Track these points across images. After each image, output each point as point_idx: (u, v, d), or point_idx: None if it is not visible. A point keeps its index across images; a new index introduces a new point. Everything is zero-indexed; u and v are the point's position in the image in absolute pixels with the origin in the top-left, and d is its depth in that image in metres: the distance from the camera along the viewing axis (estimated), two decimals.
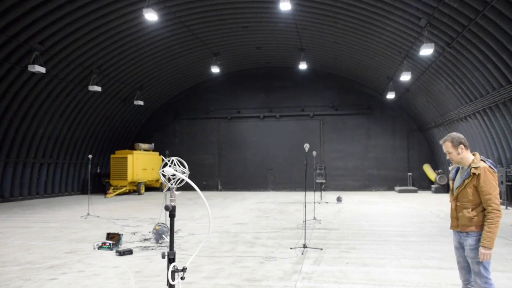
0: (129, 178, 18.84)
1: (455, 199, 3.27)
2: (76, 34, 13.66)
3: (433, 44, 11.66)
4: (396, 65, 16.34)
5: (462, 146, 3.23)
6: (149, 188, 21.17)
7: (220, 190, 22.25)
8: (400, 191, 19.13)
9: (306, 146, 7.73)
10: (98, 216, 10.76)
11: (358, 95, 21.62)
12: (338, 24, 14.76)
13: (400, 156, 21.08)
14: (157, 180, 21.26)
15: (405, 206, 13.47)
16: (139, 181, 19.39)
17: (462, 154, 3.24)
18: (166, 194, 7.42)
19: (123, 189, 18.54)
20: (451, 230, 3.37)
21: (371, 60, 17.49)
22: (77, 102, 17.14)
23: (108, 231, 7.70)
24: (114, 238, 6.72)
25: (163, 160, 2.31)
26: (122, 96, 19.61)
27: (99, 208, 13.10)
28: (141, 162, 19.80)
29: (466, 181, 3.18)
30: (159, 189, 21.43)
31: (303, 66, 17.80)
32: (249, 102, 22.66)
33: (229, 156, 22.66)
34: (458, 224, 3.25)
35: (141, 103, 19.36)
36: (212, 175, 22.56)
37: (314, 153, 13.30)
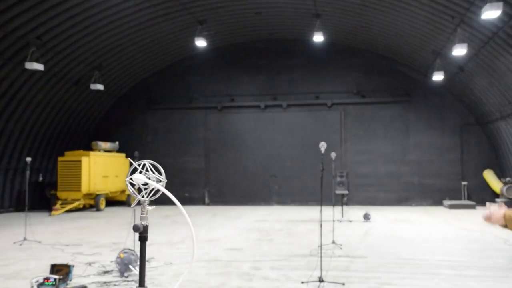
0: (84, 189, 18.84)
1: None
2: None
3: (501, 4, 11.11)
4: (446, 34, 16.30)
5: None
6: (112, 202, 21.18)
7: (208, 204, 22.26)
8: (451, 207, 19.15)
9: (323, 146, 7.73)
10: (40, 242, 10.71)
11: (392, 76, 21.63)
12: None
13: (451, 159, 21.10)
14: (123, 192, 21.25)
15: (459, 227, 13.51)
16: (97, 192, 19.39)
17: None
18: (135, 210, 7.39)
19: (76, 204, 18.54)
20: None
21: (411, 28, 17.47)
22: (8, 84, 16.94)
23: (53, 262, 7.67)
24: (61, 272, 6.68)
25: (131, 164, 2.28)
26: (74, 78, 19.58)
27: (41, 230, 13.05)
28: (101, 167, 19.79)
29: None
30: (125, 203, 21.42)
31: (318, 38, 17.79)
32: (246, 87, 22.67)
33: (219, 159, 22.67)
34: None
35: (100, 87, 19.33)
36: (196, 184, 22.57)
37: (333, 154, 13.28)
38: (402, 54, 20.69)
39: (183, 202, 22.11)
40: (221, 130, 22.79)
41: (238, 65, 22.77)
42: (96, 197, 19.27)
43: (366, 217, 14.79)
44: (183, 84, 23.08)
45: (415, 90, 21.43)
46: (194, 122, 22.96)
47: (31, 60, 15.44)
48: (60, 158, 19.38)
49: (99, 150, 20.32)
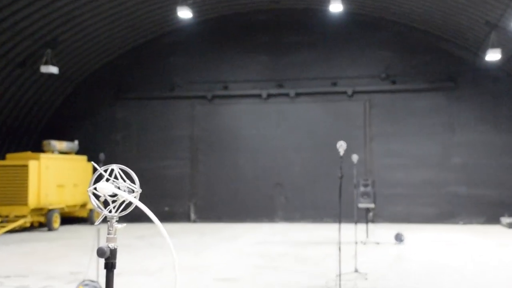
0: (32, 202, 18.79)
1: None
2: None
3: None
4: (504, 0, 16.25)
5: None
6: (70, 219, 21.16)
7: (195, 221, 22.26)
8: None
9: (341, 146, 7.74)
10: None
11: (432, 56, 21.62)
12: None
13: (511, 162, 21.10)
14: (84, 205, 21.22)
15: None
16: (50, 207, 19.35)
17: None
18: (99, 229, 7.39)
19: (20, 222, 18.50)
20: None
21: None
22: None
23: None
24: None
25: (95, 169, 2.29)
26: (19, 58, 19.54)
27: None
28: (55, 173, 19.77)
29: None
30: (87, 220, 21.40)
31: (336, 7, 17.77)
32: (244, 71, 22.66)
33: (209, 163, 22.66)
34: None
35: (54, 70, 19.30)
36: (180, 196, 22.56)
37: (355, 157, 13.24)
38: (445, 26, 20.66)
39: (163, 219, 21.97)
40: (211, 126, 22.78)
41: (233, 43, 22.75)
42: (48, 213, 19.23)
43: (398, 238, 14.77)
44: (163, 67, 23.05)
45: (463, 73, 21.39)
46: (177, 116, 22.94)
47: None
48: None
49: (53, 152, 20.28)
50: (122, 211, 2.21)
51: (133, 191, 2.23)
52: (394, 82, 21.86)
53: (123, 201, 2.20)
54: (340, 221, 7.84)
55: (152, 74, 23.13)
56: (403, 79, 21.81)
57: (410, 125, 21.68)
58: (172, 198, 22.47)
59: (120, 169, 2.24)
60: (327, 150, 19.86)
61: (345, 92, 21.99)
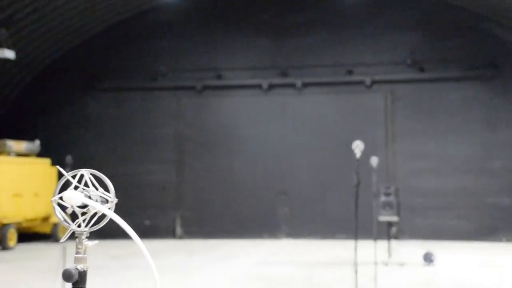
0: None
1: None
2: None
3: None
4: None
5: None
6: (29, 235, 21.14)
7: (181, 238, 22.28)
8: None
9: (358, 147, 7.74)
10: None
11: (469, 38, 21.60)
12: None
13: None
14: (47, 219, 21.21)
15: None
16: (5, 221, 19.32)
17: None
18: (65, 248, 7.39)
19: None
20: None
21: None
22: None
23: None
24: None
25: (60, 175, 2.28)
26: None
27: None
28: (11, 180, 19.74)
29: None
30: (50, 236, 21.38)
31: None
32: (241, 57, 22.69)
33: (198, 168, 22.68)
34: None
35: (9, 55, 19.25)
36: (164, 207, 22.57)
37: (375, 160, 13.25)
38: (486, 2, 20.64)
39: (143, 234, 21.96)
40: (201, 123, 22.79)
41: (228, 23, 22.75)
42: (2, 228, 19.21)
43: (428, 258, 14.77)
44: (143, 51, 23.04)
45: (506, 59, 21.33)
46: (160, 111, 22.95)
47: None
48: None
49: (8, 154, 20.26)
50: (93, 225, 2.21)
51: (107, 201, 2.22)
52: (422, 70, 21.84)
53: (95, 213, 2.19)
54: (356, 238, 7.84)
55: (130, 60, 23.12)
56: (433, 66, 21.81)
57: (441, 121, 21.67)
58: (154, 210, 22.48)
59: (91, 174, 2.23)
60: (340, 151, 19.90)
61: (362, 82, 22.00)
